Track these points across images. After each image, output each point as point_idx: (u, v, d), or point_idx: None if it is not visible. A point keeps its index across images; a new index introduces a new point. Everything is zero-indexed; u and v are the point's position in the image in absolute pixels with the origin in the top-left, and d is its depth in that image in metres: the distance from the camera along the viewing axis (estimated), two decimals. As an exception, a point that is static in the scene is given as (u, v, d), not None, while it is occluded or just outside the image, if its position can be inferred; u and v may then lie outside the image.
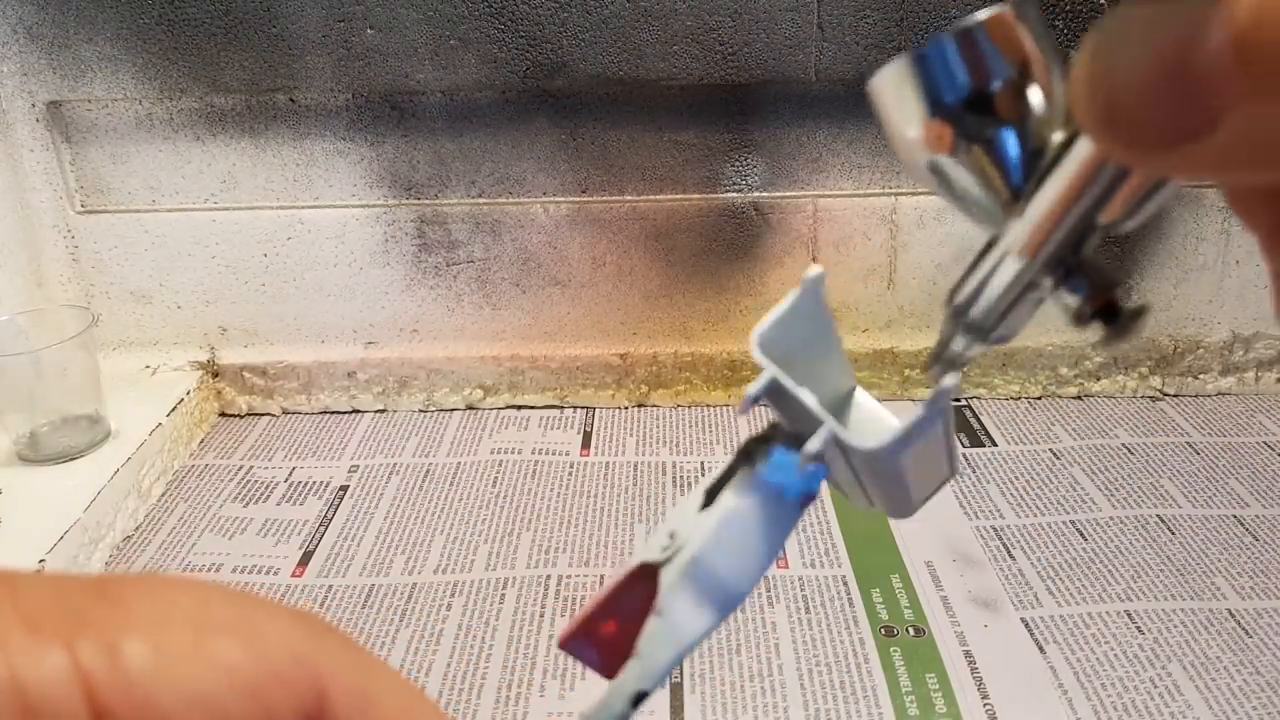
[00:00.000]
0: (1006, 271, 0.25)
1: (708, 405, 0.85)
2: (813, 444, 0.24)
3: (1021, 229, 0.25)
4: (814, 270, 0.27)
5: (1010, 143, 0.24)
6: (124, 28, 0.75)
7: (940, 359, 0.28)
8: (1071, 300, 0.25)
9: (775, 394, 0.25)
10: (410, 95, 0.77)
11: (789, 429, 0.25)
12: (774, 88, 0.77)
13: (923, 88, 0.24)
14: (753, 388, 0.25)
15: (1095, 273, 0.25)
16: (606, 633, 0.25)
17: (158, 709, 0.17)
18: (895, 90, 0.24)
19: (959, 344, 0.27)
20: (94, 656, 0.16)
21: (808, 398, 0.25)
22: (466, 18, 0.74)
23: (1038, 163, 0.24)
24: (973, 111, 0.23)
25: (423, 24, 0.74)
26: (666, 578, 0.25)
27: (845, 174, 0.80)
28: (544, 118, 0.78)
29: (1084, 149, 0.23)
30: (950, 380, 0.25)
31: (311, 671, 0.18)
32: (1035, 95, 0.23)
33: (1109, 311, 0.25)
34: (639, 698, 0.24)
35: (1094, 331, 0.25)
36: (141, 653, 0.17)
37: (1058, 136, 0.24)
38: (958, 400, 0.84)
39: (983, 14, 0.23)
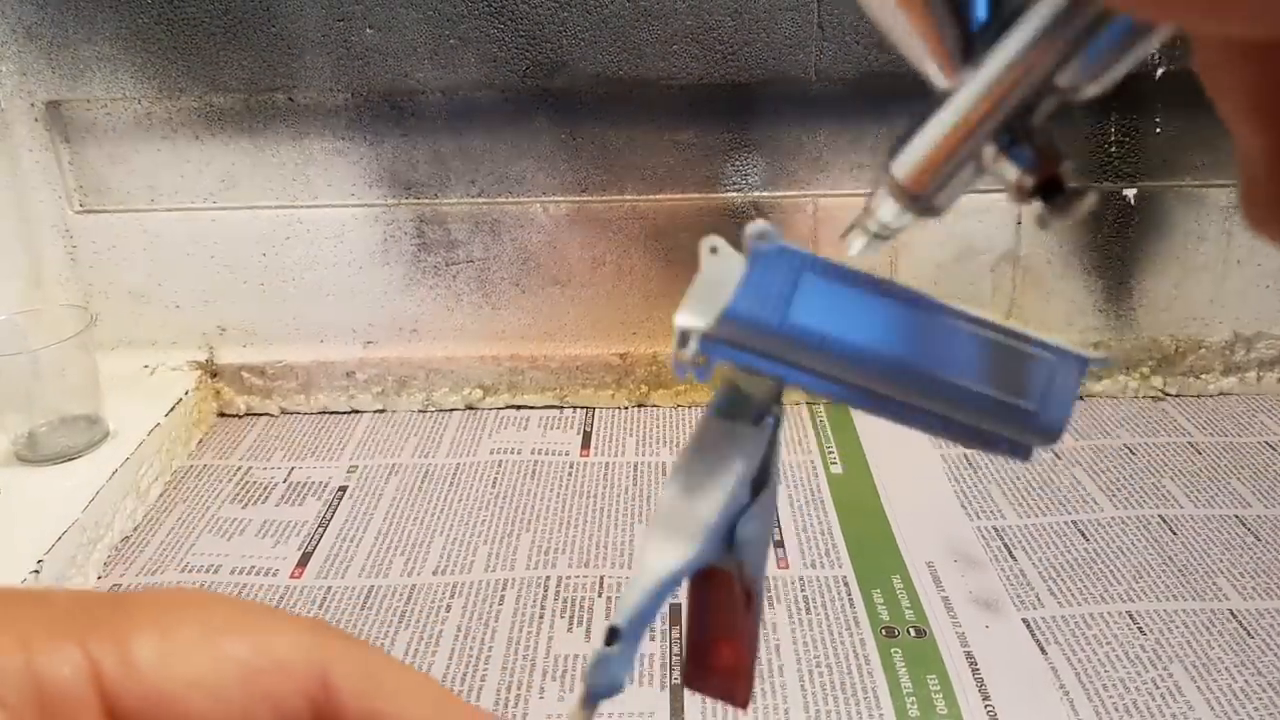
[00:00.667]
0: (951, 136, 0.23)
1: (708, 405, 0.84)
2: (688, 345, 0.24)
3: (971, 90, 0.23)
4: (709, 242, 0.26)
5: None
6: (123, 27, 0.75)
7: (862, 227, 0.26)
8: (1013, 171, 0.23)
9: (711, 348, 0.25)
10: (410, 94, 0.77)
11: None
12: (774, 87, 0.77)
13: None
14: (685, 354, 0.25)
15: (1044, 143, 0.23)
16: (719, 660, 0.26)
17: (164, 696, 0.18)
18: None
19: (887, 212, 0.25)
20: (104, 652, 0.18)
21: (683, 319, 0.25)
22: (466, 17, 0.74)
23: (998, 14, 0.22)
24: None
25: (422, 23, 0.74)
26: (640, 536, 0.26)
27: (846, 173, 0.79)
28: (544, 117, 0.78)
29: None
30: (757, 225, 0.24)
31: (314, 660, 0.20)
32: None
33: (1051, 186, 0.22)
34: (611, 633, 0.24)
35: (1032, 207, 0.23)
36: (148, 647, 0.18)
37: None
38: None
39: None
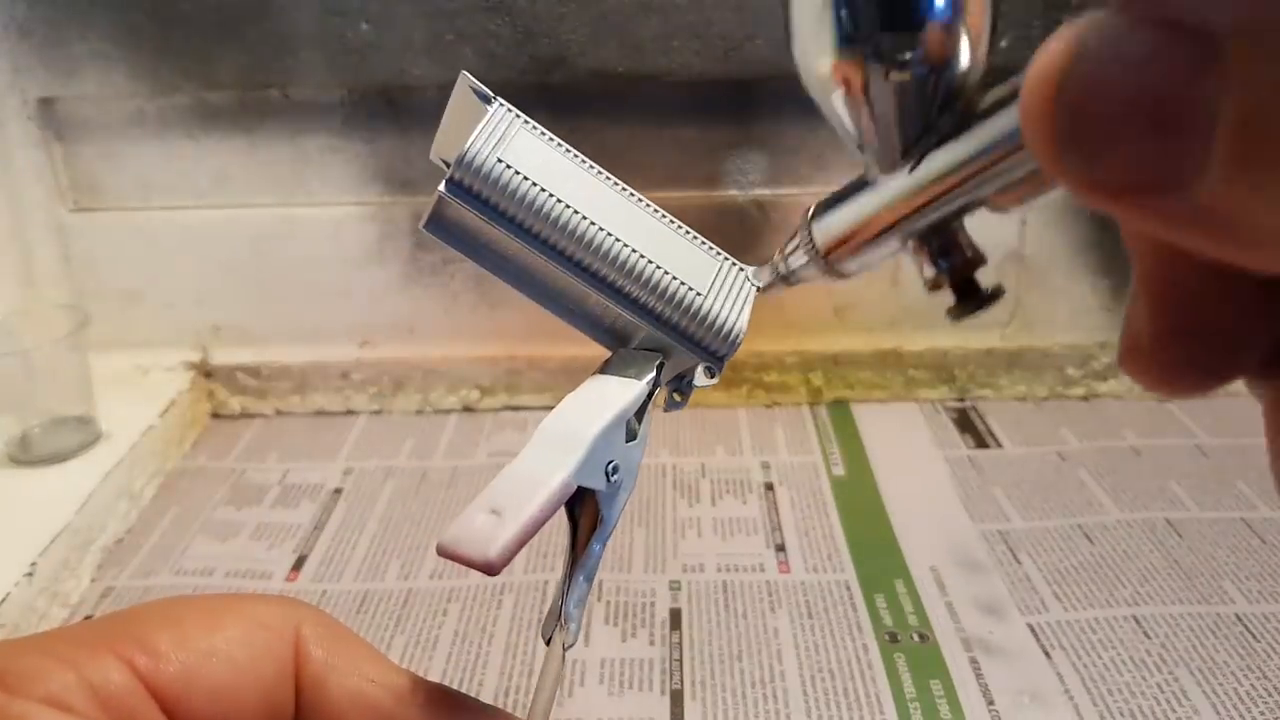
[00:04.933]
0: (875, 223, 0.25)
1: (708, 406, 0.84)
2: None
3: (906, 185, 0.23)
4: (467, 80, 0.26)
5: (918, 92, 0.22)
6: (117, 23, 0.74)
7: (774, 266, 0.28)
8: (929, 269, 0.24)
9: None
10: (406, 90, 0.76)
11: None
12: (776, 84, 0.76)
13: (839, 15, 0.22)
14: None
15: (965, 247, 0.24)
16: None
17: (191, 671, 0.22)
18: (812, 8, 0.22)
19: (798, 262, 0.27)
20: (132, 652, 0.22)
21: None
22: (463, 11, 0.73)
23: (942, 118, 0.22)
24: (883, 54, 0.22)
25: (418, 18, 0.73)
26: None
27: (849, 171, 0.78)
28: (542, 113, 0.75)
29: (1001, 125, 0.21)
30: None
31: (290, 620, 0.24)
32: (960, 47, 0.22)
33: (967, 288, 0.24)
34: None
35: (942, 299, 0.23)
36: (164, 639, 0.22)
37: (972, 100, 0.22)
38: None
39: None
